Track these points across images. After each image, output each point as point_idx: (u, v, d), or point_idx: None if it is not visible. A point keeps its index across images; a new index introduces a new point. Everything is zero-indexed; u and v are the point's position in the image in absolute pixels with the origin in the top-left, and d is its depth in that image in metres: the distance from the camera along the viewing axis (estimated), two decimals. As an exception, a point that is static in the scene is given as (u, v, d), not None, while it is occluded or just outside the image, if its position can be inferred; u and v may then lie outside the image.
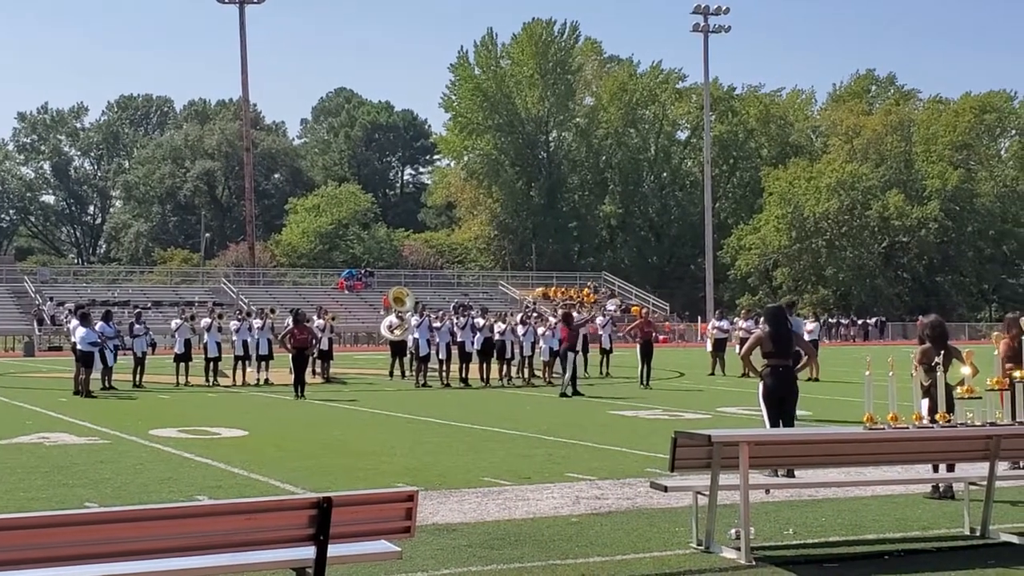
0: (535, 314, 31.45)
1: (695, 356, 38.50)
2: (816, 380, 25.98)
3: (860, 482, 9.47)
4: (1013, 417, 8.28)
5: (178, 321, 27.10)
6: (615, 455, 12.97)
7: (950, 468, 9.81)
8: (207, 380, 25.76)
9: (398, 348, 28.24)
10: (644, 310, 27.32)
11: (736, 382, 25.83)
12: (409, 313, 27.87)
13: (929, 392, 9.32)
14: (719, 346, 30.46)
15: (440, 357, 25.81)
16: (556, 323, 26.31)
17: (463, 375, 25.53)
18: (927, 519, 9.10)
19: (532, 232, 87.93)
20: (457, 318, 26.94)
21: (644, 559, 7.58)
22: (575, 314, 27.40)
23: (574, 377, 22.70)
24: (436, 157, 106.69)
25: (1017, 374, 8.33)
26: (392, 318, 28.59)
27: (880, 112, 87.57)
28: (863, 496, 9.97)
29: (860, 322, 70.60)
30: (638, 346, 25.49)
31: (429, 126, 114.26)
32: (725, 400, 20.88)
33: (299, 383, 22.32)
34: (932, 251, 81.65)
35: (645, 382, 24.59)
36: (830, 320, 67.50)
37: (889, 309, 77.97)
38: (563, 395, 22.06)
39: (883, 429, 8.04)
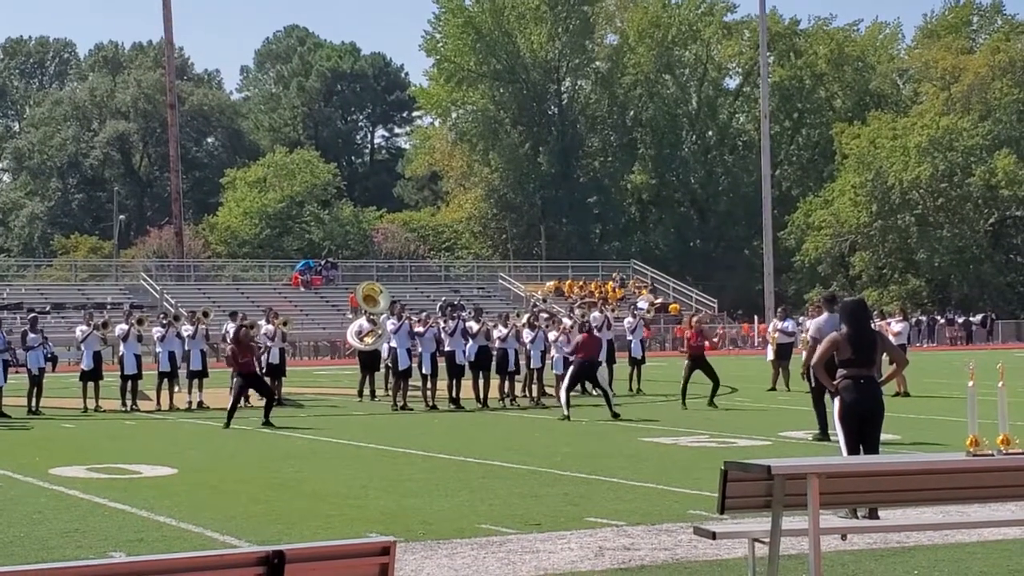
0: (545, 315, 31.46)
1: (751, 366, 38.47)
2: (906, 394, 25.98)
3: (963, 524, 9.47)
4: None
5: (85, 328, 27.11)
6: (648, 494, 13.02)
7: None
8: (123, 404, 25.82)
9: (369, 361, 28.32)
10: (695, 317, 27.16)
11: (803, 399, 25.82)
12: (383, 316, 27.91)
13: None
14: (782, 353, 30.50)
15: (424, 372, 25.85)
16: (570, 328, 26.30)
17: (453, 394, 25.57)
18: (1050, 571, 9.13)
19: (541, 210, 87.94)
20: (445, 321, 26.97)
21: (687, 626, 7.61)
22: (596, 314, 27.38)
23: (607, 397, 22.87)
24: (416, 115, 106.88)
25: None
26: (362, 322, 28.74)
27: (985, 50, 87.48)
28: (967, 542, 10.00)
29: (962, 320, 70.65)
30: (686, 360, 25.39)
31: (406, 74, 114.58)
32: (789, 422, 20.86)
33: (232, 409, 22.20)
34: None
35: (700, 400, 24.60)
36: (923, 318, 67.51)
37: (999, 303, 77.96)
38: (565, 418, 22.15)
39: (991, 455, 8.04)
